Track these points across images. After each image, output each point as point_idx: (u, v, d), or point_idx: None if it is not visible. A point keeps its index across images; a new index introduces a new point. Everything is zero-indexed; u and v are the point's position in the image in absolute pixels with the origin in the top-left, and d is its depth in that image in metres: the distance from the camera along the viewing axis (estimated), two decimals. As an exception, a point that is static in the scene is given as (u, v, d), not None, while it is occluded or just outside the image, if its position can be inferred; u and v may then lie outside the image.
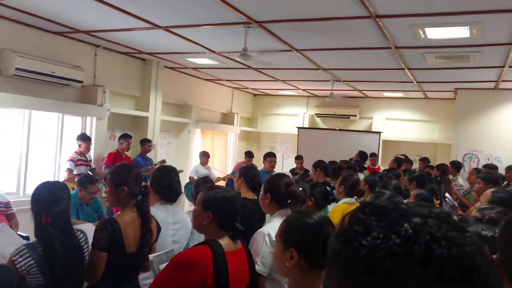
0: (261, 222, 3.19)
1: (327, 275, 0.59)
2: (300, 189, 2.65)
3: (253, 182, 3.33)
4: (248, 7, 4.19)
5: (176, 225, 2.87)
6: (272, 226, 2.39)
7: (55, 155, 6.28)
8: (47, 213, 2.23)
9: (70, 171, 5.82)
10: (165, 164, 6.64)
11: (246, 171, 3.34)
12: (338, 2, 3.81)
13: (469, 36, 4.48)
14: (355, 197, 3.63)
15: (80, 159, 5.94)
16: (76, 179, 5.43)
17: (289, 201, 2.52)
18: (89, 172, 5.86)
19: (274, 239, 2.28)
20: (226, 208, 2.06)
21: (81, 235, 2.43)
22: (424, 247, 0.52)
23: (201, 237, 2.24)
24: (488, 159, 7.99)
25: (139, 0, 4.21)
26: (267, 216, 2.77)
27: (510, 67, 5.86)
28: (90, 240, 2.37)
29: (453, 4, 3.67)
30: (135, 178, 2.49)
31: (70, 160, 5.85)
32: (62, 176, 6.07)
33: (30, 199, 2.35)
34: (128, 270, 2.44)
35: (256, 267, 2.22)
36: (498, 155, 7.95)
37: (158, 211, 2.76)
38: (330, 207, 3.50)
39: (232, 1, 4.02)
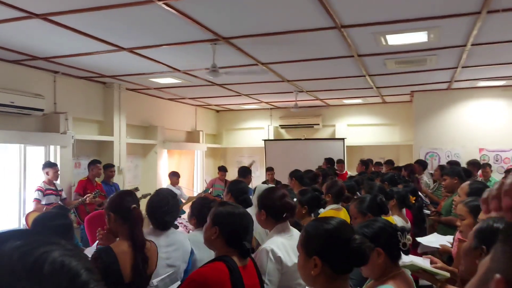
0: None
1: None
2: (295, 199, 2.64)
3: (241, 198, 3.25)
4: (216, 24, 4.22)
5: (170, 247, 2.77)
6: (274, 241, 2.37)
7: (19, 187, 5.96)
8: None
9: (38, 201, 5.53)
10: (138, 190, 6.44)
11: (234, 186, 3.28)
12: (305, 14, 3.92)
13: (427, 40, 4.73)
14: (341, 203, 3.66)
15: (49, 188, 5.67)
16: (44, 209, 5.18)
17: (284, 215, 2.48)
18: (60, 203, 5.61)
19: (278, 254, 2.26)
20: (233, 224, 2.02)
21: None
22: None
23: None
24: (448, 155, 8.39)
25: (104, 23, 4.14)
26: (265, 231, 2.73)
27: (463, 67, 6.22)
28: None
29: (413, 11, 3.88)
30: (125, 203, 2.41)
31: (38, 190, 5.58)
32: (28, 209, 5.76)
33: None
34: None
35: (265, 286, 2.18)
36: (457, 151, 8.37)
37: (148, 234, 2.67)
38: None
39: (200, 19, 4.04)
